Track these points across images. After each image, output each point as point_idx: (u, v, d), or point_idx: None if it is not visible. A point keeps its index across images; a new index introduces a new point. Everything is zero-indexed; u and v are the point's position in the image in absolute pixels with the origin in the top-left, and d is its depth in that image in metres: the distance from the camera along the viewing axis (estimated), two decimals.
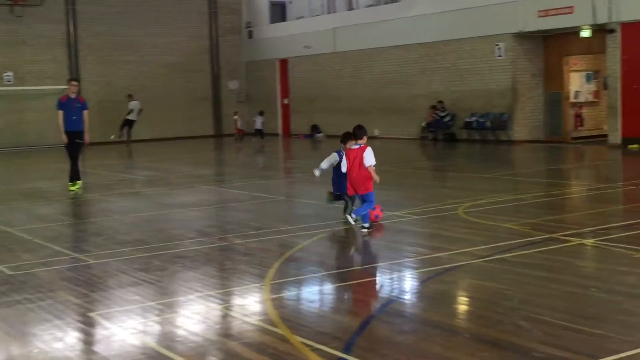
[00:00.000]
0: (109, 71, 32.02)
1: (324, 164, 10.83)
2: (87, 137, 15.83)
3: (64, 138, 15.60)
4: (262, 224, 10.95)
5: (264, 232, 10.31)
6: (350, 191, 10.11)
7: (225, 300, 7.05)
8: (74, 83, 16.05)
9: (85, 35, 31.50)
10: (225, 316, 6.53)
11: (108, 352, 5.61)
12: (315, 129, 31.68)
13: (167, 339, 5.94)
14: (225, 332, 6.05)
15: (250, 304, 6.91)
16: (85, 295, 7.26)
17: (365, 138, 10.09)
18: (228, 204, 13.47)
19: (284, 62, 33.53)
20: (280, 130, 33.62)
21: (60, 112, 15.65)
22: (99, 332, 6.17)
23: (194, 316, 6.54)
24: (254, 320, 6.32)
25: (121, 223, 11.55)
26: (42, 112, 30.74)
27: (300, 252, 8.89)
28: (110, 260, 8.74)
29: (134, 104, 30.18)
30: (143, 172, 16.99)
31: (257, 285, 7.49)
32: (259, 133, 30.58)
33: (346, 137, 10.35)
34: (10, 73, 29.98)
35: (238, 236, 10.01)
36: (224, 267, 8.41)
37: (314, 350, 5.40)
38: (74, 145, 15.73)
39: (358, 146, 9.98)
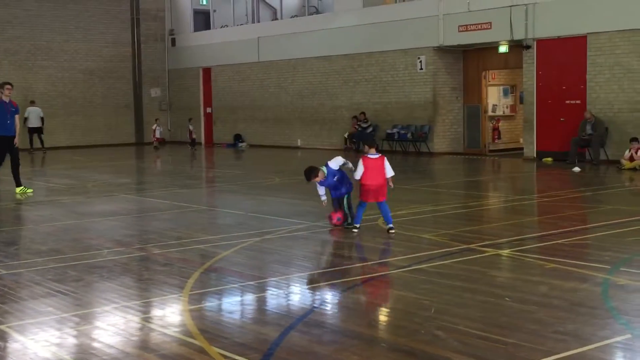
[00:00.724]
0: (27, 76, 31.24)
1: (335, 164, 10.88)
2: (17, 140, 15.82)
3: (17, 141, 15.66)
4: (183, 234, 10.84)
5: (184, 241, 10.20)
6: (371, 198, 10.41)
7: (144, 312, 6.93)
8: (9, 87, 15.71)
9: (1, 39, 30.67)
10: (143, 328, 6.42)
11: None
12: (238, 138, 31.58)
13: (82, 351, 5.80)
14: (143, 344, 5.95)
15: (168, 315, 6.82)
16: None
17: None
18: (148, 213, 13.28)
19: (207, 71, 33.35)
20: (203, 139, 33.38)
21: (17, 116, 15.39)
22: (10, 346, 5.98)
23: (111, 328, 6.41)
24: (172, 331, 6.24)
25: (36, 232, 11.26)
26: None
27: (221, 262, 8.83)
28: (23, 271, 8.51)
29: (31, 111, 29.26)
30: (60, 180, 16.60)
31: (175, 296, 7.40)
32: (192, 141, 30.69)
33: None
34: None
35: (157, 246, 9.87)
36: (142, 278, 8.28)
37: None
38: (13, 149, 15.63)
39: (377, 156, 10.48)
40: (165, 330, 6.29)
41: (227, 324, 6.54)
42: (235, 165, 24.50)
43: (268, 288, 7.71)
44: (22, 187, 15.86)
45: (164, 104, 34.99)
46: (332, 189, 10.91)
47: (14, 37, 30.99)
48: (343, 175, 10.91)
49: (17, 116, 15.73)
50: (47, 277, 8.15)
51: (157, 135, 30.99)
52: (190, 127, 31.09)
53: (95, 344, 5.94)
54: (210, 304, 7.21)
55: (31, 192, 15.79)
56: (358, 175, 10.42)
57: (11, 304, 7.14)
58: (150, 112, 34.41)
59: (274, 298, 7.40)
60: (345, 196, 10.87)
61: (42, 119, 29.34)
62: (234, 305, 7.25)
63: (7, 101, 15.60)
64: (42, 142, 29.49)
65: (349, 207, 10.84)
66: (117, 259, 9.13)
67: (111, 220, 12.48)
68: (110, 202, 14.68)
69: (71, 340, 6.11)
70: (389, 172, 10.43)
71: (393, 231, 10.30)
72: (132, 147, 32.92)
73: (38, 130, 29.46)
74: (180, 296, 7.33)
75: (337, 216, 10.74)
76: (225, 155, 27.87)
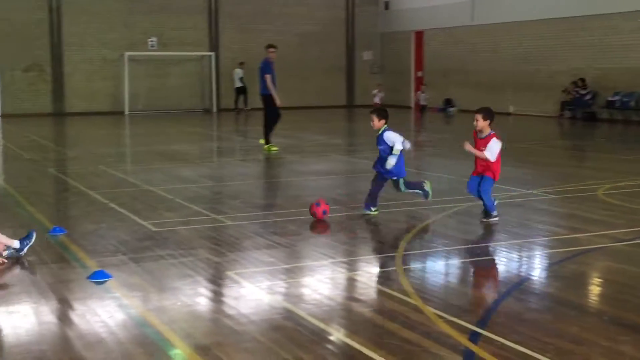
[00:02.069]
0: (246, 39, 32.67)
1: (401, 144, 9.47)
2: (278, 101, 16.71)
3: (279, 101, 16.52)
4: (394, 195, 10.93)
5: (395, 203, 10.31)
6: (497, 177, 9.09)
7: (357, 268, 7.14)
8: (272, 50, 16.83)
9: (225, 3, 32.23)
10: (356, 283, 6.62)
11: (245, 309, 5.81)
12: (448, 102, 31.29)
13: (301, 300, 6.09)
14: (357, 299, 6.13)
15: (382, 273, 6.98)
16: (223, 254, 7.52)
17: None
18: (359, 174, 13.54)
19: (419, 34, 33.20)
20: (412, 104, 33.39)
21: (269, 76, 16.50)
22: (237, 290, 6.39)
23: (327, 281, 6.67)
24: (387, 288, 6.38)
25: (257, 187, 11.86)
26: (182, 78, 31.87)
27: (433, 225, 8.86)
28: (246, 223, 9.01)
29: (235, 72, 30.97)
30: (277, 139, 17.32)
31: (388, 255, 7.54)
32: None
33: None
34: (154, 39, 31.10)
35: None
36: (356, 236, 8.50)
37: (448, 322, 5.40)
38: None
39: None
40: (380, 287, 6.45)
41: (441, 286, 6.58)
42: (446, 130, 24.33)
43: (480, 253, 7.65)
44: (269, 145, 16.61)
45: (376, 67, 35.32)
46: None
47: (236, 2, 32.46)
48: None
49: (268, 76, 16.60)
50: (268, 230, 8.59)
51: (376, 100, 30.89)
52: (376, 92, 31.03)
53: (315, 296, 6.20)
54: (423, 265, 7.28)
55: (276, 149, 16.54)
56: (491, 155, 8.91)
57: (237, 252, 7.61)
58: (361, 75, 34.88)
59: (487, 263, 7.34)
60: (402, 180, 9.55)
61: (241, 79, 30.80)
62: (446, 267, 7.27)
63: (273, 62, 16.63)
64: (245, 102, 30.93)
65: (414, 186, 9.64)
66: (333, 216, 9.41)
67: (326, 179, 12.88)
68: (325, 162, 15.14)
69: (292, 290, 6.42)
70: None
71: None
72: (343, 109, 33.60)
73: (242, 91, 30.95)
74: (394, 255, 7.46)
75: (322, 209, 9.08)
76: (435, 120, 27.73)
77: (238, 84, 31.12)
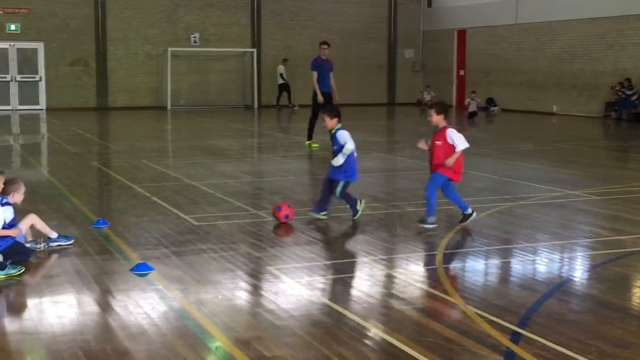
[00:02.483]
0: (289, 36, 32.75)
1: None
2: (337, 97, 16.96)
3: (321, 98, 16.49)
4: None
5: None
6: (458, 177, 8.78)
7: (397, 266, 7.14)
8: (325, 46, 16.87)
9: (268, 0, 32.34)
10: (396, 280, 6.61)
11: (286, 304, 5.84)
12: (490, 101, 31.03)
13: (340, 297, 6.10)
14: (397, 296, 6.12)
15: (422, 271, 6.97)
16: (264, 249, 7.57)
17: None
18: (400, 172, 13.53)
19: (462, 33, 32.97)
20: (454, 102, 33.18)
21: (315, 73, 16.55)
22: (277, 285, 6.43)
23: (367, 278, 6.67)
24: (427, 287, 6.37)
25: (297, 183, 11.89)
26: (223, 74, 32.07)
27: (474, 225, 8.80)
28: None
29: (278, 69, 31.03)
30: (317, 136, 17.36)
31: (429, 253, 7.53)
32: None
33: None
34: (196, 34, 31.34)
35: (410, 204, 10.05)
36: (397, 234, 8.49)
37: (489, 321, 5.37)
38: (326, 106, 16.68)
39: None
40: (420, 285, 6.44)
41: (481, 285, 6.55)
42: (487, 129, 24.14)
43: (522, 253, 7.58)
44: (310, 142, 16.80)
45: (417, 65, 35.17)
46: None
47: None
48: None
49: (332, 73, 16.82)
50: (309, 226, 8.61)
51: (472, 109, 27.87)
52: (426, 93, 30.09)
53: (355, 292, 6.21)
54: (463, 264, 7.25)
55: (317, 146, 16.62)
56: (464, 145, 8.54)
57: (279, 248, 7.65)
58: (403, 73, 34.77)
59: (528, 264, 7.27)
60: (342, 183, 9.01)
61: (281, 75, 30.87)
62: (487, 267, 7.23)
63: (325, 59, 16.79)
64: (289, 99, 30.96)
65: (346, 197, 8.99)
66: (373, 214, 9.41)
67: (366, 176, 12.85)
68: (365, 160, 15.09)
69: (332, 286, 6.44)
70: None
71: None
72: (384, 107, 33.51)
73: (284, 88, 31.01)
74: (434, 254, 7.44)
75: (284, 213, 8.72)
76: (477, 119, 27.51)
77: (280, 81, 31.22)
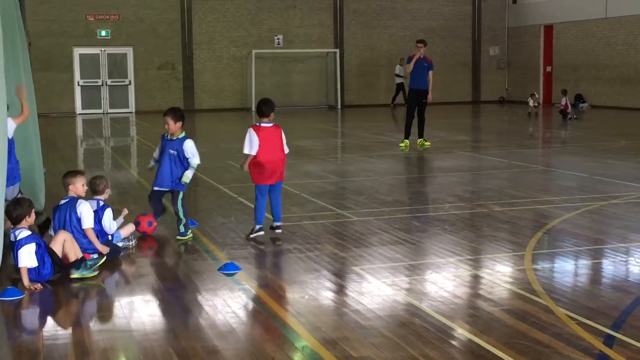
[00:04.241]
0: (371, 35, 32.70)
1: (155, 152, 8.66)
2: (431, 97, 17.07)
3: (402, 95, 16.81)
4: (522, 193, 10.73)
5: (524, 201, 10.09)
6: (270, 180, 8.18)
7: (485, 266, 7.03)
8: (420, 44, 17.10)
9: (350, 1, 32.37)
10: (483, 281, 6.51)
11: (372, 305, 5.83)
12: (579, 98, 30.23)
13: (427, 297, 6.05)
14: (484, 297, 6.03)
15: (511, 272, 6.83)
16: (349, 249, 7.58)
17: (271, 116, 8.18)
18: (485, 171, 13.33)
19: (548, 28, 32.25)
20: (541, 100, 32.46)
21: (409, 72, 16.99)
22: (363, 285, 6.42)
23: (454, 279, 6.60)
24: (515, 288, 6.25)
25: (381, 183, 11.86)
26: (306, 75, 32.26)
27: (563, 224, 8.60)
28: (371, 219, 9.03)
29: (397, 68, 31.00)
30: (400, 135, 17.29)
31: (517, 253, 7.38)
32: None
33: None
34: (280, 36, 31.63)
35: (497, 204, 9.88)
36: (483, 234, 8.36)
37: (580, 324, 5.23)
38: (421, 104, 16.85)
39: (271, 124, 8.12)
40: (509, 287, 6.32)
41: (572, 287, 6.39)
42: (576, 126, 23.55)
43: (614, 254, 7.36)
44: (421, 139, 16.83)
45: (502, 62, 34.60)
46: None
47: None
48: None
49: (430, 72, 16.96)
50: (394, 226, 8.58)
51: (531, 104, 26.83)
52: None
53: (442, 293, 6.15)
54: (553, 264, 7.09)
55: (429, 144, 16.64)
56: (250, 149, 7.98)
57: (363, 248, 7.65)
58: (487, 70, 34.26)
59: (620, 264, 7.05)
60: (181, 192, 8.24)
61: (397, 75, 30.74)
62: (578, 268, 7.05)
63: (422, 57, 16.88)
64: (405, 98, 30.75)
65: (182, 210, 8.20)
66: (459, 213, 9.31)
67: (451, 175, 12.74)
68: (449, 159, 14.97)
69: (418, 287, 6.39)
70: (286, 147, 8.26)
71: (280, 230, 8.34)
72: (469, 105, 33.10)
73: (401, 87, 30.74)
74: (523, 254, 7.30)
75: (147, 219, 8.22)
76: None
77: (397, 80, 31.16)
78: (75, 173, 7.52)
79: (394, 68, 31.90)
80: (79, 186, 7.37)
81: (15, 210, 6.68)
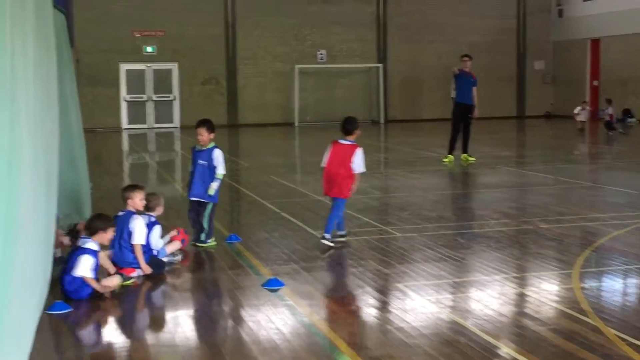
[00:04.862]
0: (414, 50, 32.61)
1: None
2: (477, 112, 17.10)
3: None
4: (569, 210, 10.57)
5: (571, 218, 9.94)
6: (329, 191, 8.54)
7: (532, 284, 6.93)
8: (465, 59, 17.26)
9: (393, 15, 32.36)
10: (530, 300, 6.42)
11: (416, 322, 5.77)
12: (627, 113, 29.74)
13: (472, 315, 5.98)
14: (532, 316, 5.94)
15: (557, 290, 6.72)
16: (393, 266, 7.53)
17: (356, 133, 8.57)
18: (531, 187, 13.17)
19: (595, 42, 31.84)
20: (586, 117, 31.99)
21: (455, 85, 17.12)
22: (406, 302, 6.37)
23: (500, 297, 6.51)
24: (563, 307, 6.14)
25: (425, 199, 11.78)
26: (349, 89, 32.28)
27: (612, 242, 8.44)
28: (415, 235, 8.96)
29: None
30: (443, 150, 17.19)
31: (564, 272, 7.26)
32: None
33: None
34: (323, 51, 31.72)
35: (544, 220, 9.74)
36: (529, 251, 8.25)
37: (631, 345, 5.12)
38: (466, 118, 16.87)
39: (349, 142, 8.53)
40: (556, 305, 6.22)
41: (622, 306, 6.27)
42: (624, 141, 23.18)
43: None
44: (465, 155, 16.75)
45: (548, 76, 34.24)
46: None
47: (405, 13, 32.49)
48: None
49: (475, 88, 16.95)
50: (438, 243, 8.51)
51: (581, 118, 26.32)
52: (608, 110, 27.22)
53: (487, 311, 6.06)
54: (601, 283, 6.95)
55: (473, 160, 16.56)
56: (322, 161, 8.61)
57: (407, 264, 7.59)
58: (532, 85, 33.92)
59: None
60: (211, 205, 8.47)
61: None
62: (627, 287, 6.91)
63: (468, 71, 16.91)
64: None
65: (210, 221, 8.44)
66: (504, 230, 9.20)
67: (495, 191, 12.60)
68: (494, 174, 14.82)
69: (463, 304, 6.32)
70: (357, 166, 8.44)
71: (326, 242, 8.31)
72: (514, 120, 32.79)
73: None
74: (570, 272, 7.17)
75: (180, 238, 8.07)
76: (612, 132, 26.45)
77: (452, 94, 31.05)
78: (134, 187, 7.63)
79: (437, 82, 31.79)
80: (137, 200, 7.48)
81: (94, 222, 6.80)
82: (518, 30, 33.87)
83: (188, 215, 8.69)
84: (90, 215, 6.95)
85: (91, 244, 6.64)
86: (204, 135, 8.47)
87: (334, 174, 8.44)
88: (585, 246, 8.27)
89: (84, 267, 6.47)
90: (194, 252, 8.21)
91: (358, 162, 8.44)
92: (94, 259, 6.56)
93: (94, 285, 6.46)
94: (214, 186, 8.38)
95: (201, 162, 8.42)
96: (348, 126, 8.54)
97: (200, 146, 8.53)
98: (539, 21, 33.99)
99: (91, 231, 6.74)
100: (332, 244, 8.28)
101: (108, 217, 7.01)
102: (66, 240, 7.83)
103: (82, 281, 6.47)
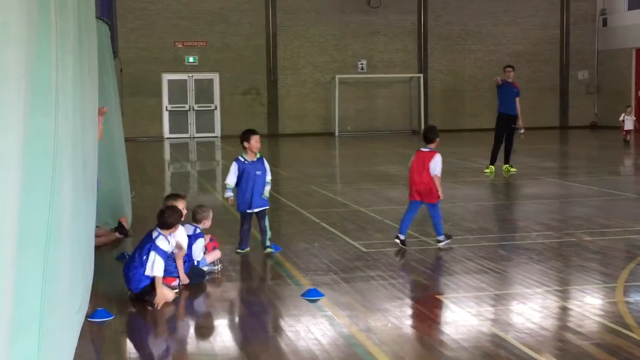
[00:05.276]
0: (455, 60, 32.46)
1: (230, 179, 8.69)
2: (521, 122, 17.00)
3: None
4: (614, 222, 10.39)
5: (616, 230, 9.77)
6: (415, 196, 8.94)
7: (574, 298, 6.82)
8: (509, 69, 17.26)
9: (434, 25, 32.25)
10: (572, 313, 6.32)
11: (456, 335, 5.72)
12: None
13: (513, 328, 5.90)
14: (575, 330, 5.84)
15: (601, 304, 6.61)
16: (433, 277, 7.48)
17: (436, 141, 9.01)
18: (574, 199, 12.99)
19: None
20: (633, 125, 31.49)
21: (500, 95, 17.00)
22: (447, 315, 6.32)
23: (541, 310, 6.42)
24: (606, 321, 6.04)
25: (466, 210, 11.69)
26: (390, 99, 32.23)
27: None
28: (456, 246, 8.89)
29: None
30: (484, 160, 17.05)
31: (608, 285, 7.13)
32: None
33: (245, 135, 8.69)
34: (363, 61, 31.73)
35: (587, 232, 9.60)
36: (572, 264, 8.12)
37: None
38: (510, 129, 16.78)
39: (429, 149, 8.95)
40: (599, 320, 6.11)
41: None
42: None
43: None
44: (507, 165, 16.65)
45: (592, 86, 33.80)
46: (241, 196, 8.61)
47: (446, 23, 32.37)
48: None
49: (517, 98, 16.86)
50: (478, 254, 8.42)
51: (628, 127, 25.22)
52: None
53: (528, 324, 5.98)
54: None
55: (514, 170, 16.45)
56: (406, 168, 9.25)
57: (447, 276, 7.53)
58: (575, 95, 33.53)
59: None
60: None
61: None
62: None
63: (511, 82, 16.91)
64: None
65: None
66: (546, 242, 9.08)
67: (537, 203, 12.45)
68: (536, 185, 14.66)
69: (503, 317, 6.25)
70: (434, 169, 8.78)
71: (443, 244, 8.80)
72: (556, 130, 32.41)
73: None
74: (614, 286, 7.04)
75: (212, 245, 8.03)
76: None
77: None
78: (177, 196, 7.69)
79: (478, 92, 31.59)
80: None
81: (171, 217, 6.86)
82: (561, 39, 33.53)
83: (242, 229, 8.68)
84: (167, 207, 6.99)
85: (164, 244, 6.70)
86: (259, 143, 8.69)
87: (417, 181, 8.85)
88: (629, 259, 8.12)
89: (158, 268, 6.55)
90: (235, 262, 8.23)
91: (434, 166, 8.76)
92: (163, 261, 6.63)
93: (160, 288, 6.50)
94: (268, 189, 8.68)
95: (258, 172, 8.57)
96: (429, 134, 9.05)
97: (247, 158, 8.61)
98: (582, 30, 33.61)
99: (168, 225, 6.81)
100: (449, 241, 8.78)
101: (179, 210, 7.05)
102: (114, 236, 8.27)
103: (144, 275, 6.56)
